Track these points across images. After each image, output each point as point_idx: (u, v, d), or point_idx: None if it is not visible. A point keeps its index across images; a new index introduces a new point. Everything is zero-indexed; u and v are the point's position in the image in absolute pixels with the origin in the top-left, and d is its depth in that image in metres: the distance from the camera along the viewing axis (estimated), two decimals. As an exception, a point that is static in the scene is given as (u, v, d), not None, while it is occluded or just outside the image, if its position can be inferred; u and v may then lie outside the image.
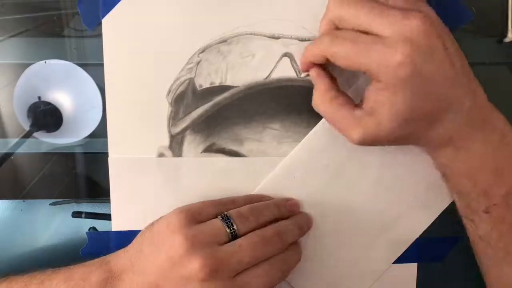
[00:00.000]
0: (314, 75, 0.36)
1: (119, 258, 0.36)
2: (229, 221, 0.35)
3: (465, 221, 0.38)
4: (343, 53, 0.32)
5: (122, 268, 0.35)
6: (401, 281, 0.43)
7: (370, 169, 0.41)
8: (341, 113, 0.34)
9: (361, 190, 0.41)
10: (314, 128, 0.40)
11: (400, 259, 0.42)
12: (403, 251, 0.42)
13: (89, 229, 0.46)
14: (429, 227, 0.42)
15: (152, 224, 0.36)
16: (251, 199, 0.39)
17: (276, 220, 0.38)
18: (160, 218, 0.36)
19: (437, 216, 0.42)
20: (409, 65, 0.31)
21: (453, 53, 0.32)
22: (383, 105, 0.32)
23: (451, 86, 0.32)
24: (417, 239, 0.42)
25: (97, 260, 0.37)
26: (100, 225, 0.46)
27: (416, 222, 0.42)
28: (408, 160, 0.41)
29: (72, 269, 0.36)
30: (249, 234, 0.35)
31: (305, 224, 0.40)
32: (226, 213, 0.36)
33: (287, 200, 0.40)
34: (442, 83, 0.32)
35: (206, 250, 0.33)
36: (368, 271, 0.42)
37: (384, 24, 0.31)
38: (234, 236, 0.35)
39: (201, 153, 0.41)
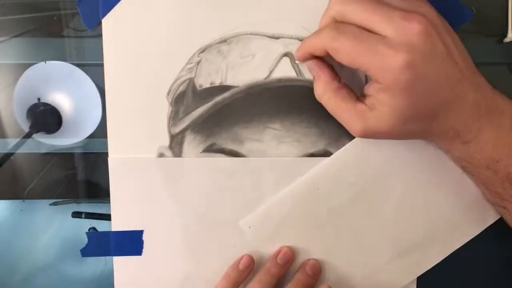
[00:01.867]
0: (315, 66, 0.36)
1: None
2: None
3: (498, 209, 0.39)
4: (345, 50, 0.32)
5: None
6: (400, 281, 0.43)
7: (394, 194, 0.41)
8: (344, 105, 0.35)
9: (381, 213, 0.41)
10: (347, 144, 0.40)
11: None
12: (414, 277, 0.42)
13: (89, 229, 0.46)
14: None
15: None
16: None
17: None
18: None
19: (453, 250, 0.42)
20: (410, 70, 0.31)
21: (454, 52, 0.32)
22: (384, 104, 0.32)
23: (454, 84, 0.32)
24: (418, 239, 0.42)
25: None
26: (100, 225, 0.46)
27: (432, 253, 0.41)
28: (430, 192, 0.41)
29: None
30: None
31: (308, 279, 0.40)
32: None
33: (276, 254, 0.40)
34: (445, 83, 0.32)
35: None
36: None
37: (387, 25, 0.31)
38: None
39: (201, 153, 0.41)
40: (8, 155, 0.44)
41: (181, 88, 0.40)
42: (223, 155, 0.40)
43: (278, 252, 0.41)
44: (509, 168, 0.34)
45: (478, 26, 0.43)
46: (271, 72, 0.40)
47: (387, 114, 0.33)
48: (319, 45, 0.34)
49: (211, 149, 0.41)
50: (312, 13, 0.39)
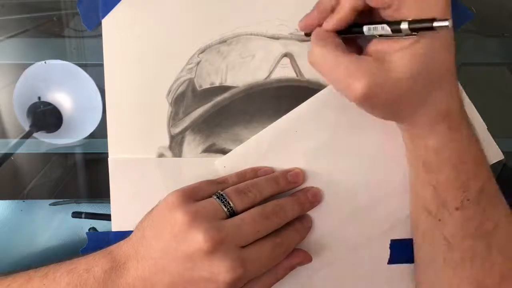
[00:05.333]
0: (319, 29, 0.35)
1: (122, 248, 0.36)
2: (225, 199, 0.35)
3: (430, 222, 0.37)
4: None
5: (126, 257, 0.35)
6: (400, 281, 0.43)
7: (374, 136, 0.40)
8: (346, 59, 0.32)
9: (360, 159, 0.40)
10: (327, 87, 0.39)
11: (399, 260, 0.42)
12: (390, 228, 0.41)
13: (89, 229, 0.46)
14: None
15: (151, 210, 0.36)
16: (244, 175, 0.39)
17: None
18: (158, 202, 0.36)
19: None
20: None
21: None
22: (399, 51, 0.31)
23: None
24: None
25: (99, 251, 0.36)
26: (100, 225, 0.46)
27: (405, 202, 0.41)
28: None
29: (75, 261, 0.36)
30: (249, 210, 0.35)
31: (306, 200, 0.39)
32: (220, 192, 0.36)
33: (288, 171, 0.39)
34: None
35: (209, 223, 0.33)
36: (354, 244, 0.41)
37: None
38: (232, 214, 0.35)
39: (201, 153, 0.41)
40: (8, 155, 0.45)
41: (181, 89, 0.40)
42: (223, 155, 0.40)
43: (290, 170, 0.39)
44: (469, 174, 0.34)
45: (478, 26, 0.43)
46: (271, 72, 0.40)
47: (399, 64, 0.31)
48: None
49: (211, 150, 0.41)
50: (312, 13, 0.39)
